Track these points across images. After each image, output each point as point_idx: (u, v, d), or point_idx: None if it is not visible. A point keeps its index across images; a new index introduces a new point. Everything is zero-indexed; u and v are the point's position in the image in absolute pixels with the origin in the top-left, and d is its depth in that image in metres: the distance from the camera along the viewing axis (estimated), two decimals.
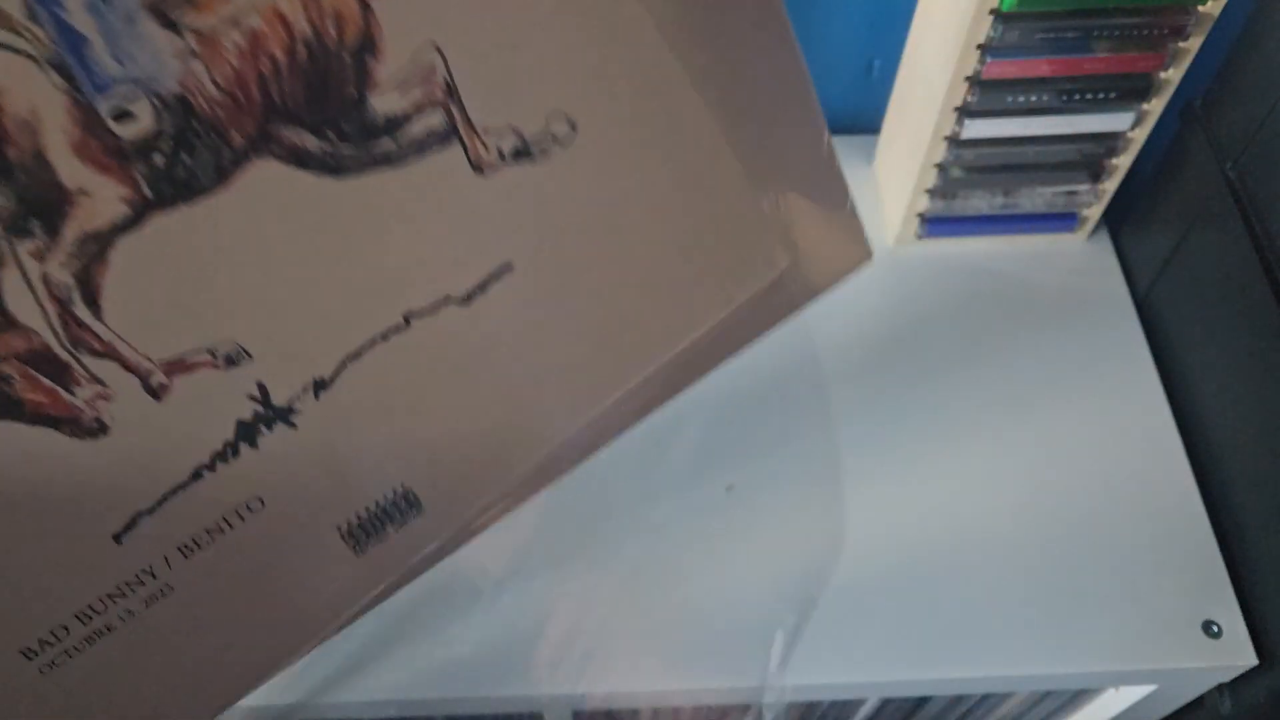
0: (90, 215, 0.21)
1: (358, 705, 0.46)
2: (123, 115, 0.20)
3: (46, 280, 0.21)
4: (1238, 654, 0.48)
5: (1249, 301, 0.49)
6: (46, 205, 0.20)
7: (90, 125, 0.20)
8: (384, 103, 0.22)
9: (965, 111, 0.53)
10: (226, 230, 0.23)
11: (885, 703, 0.61)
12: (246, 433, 0.26)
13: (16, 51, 0.19)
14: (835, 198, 0.34)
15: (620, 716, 0.62)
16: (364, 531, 0.30)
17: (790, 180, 0.32)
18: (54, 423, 0.23)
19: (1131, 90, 0.53)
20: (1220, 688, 0.51)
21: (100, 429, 0.24)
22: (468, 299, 0.27)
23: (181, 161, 0.21)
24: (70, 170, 0.20)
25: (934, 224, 0.60)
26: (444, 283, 0.27)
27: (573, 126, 0.26)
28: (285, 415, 0.27)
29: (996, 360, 0.57)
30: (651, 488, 0.52)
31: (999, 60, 0.50)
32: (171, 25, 0.20)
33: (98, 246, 0.21)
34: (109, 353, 0.23)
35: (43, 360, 0.22)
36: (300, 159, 0.22)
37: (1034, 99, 0.53)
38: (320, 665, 0.46)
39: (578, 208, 0.27)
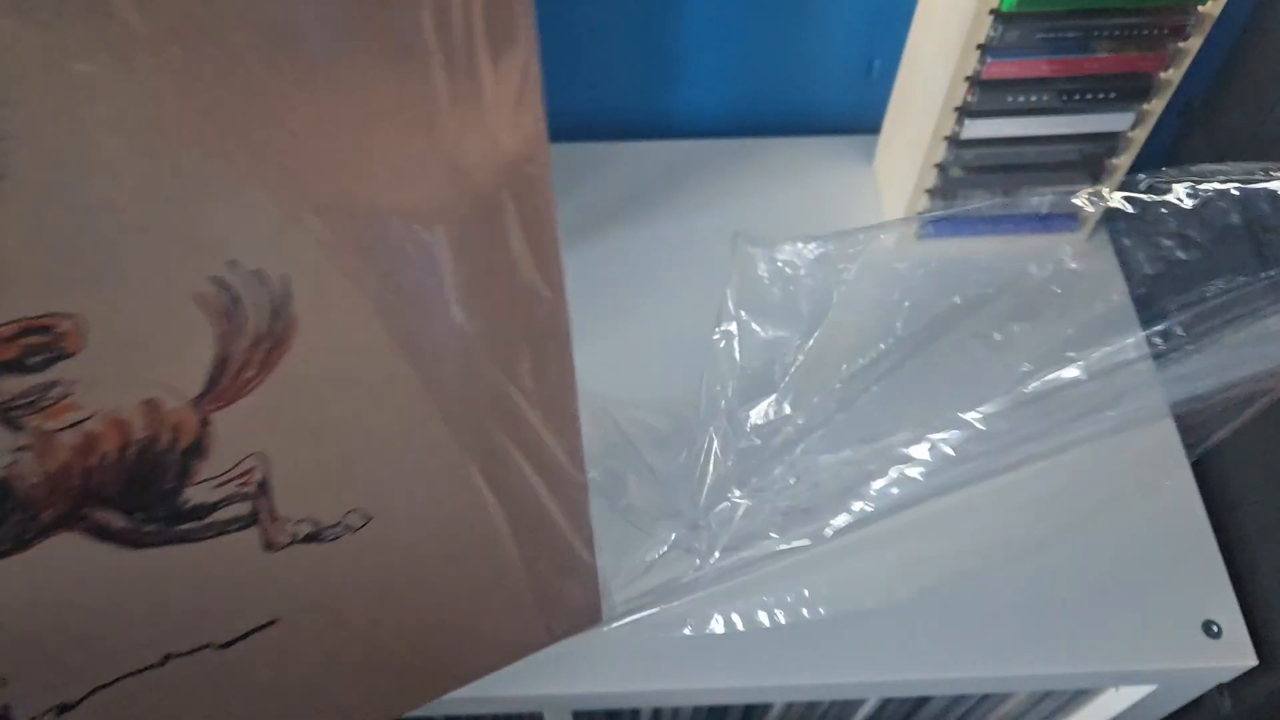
0: None
1: None
2: None
3: None
4: (1238, 654, 0.48)
5: None
6: None
7: None
8: (197, 493, 0.23)
9: (965, 111, 0.53)
10: (15, 586, 0.23)
11: (885, 703, 0.61)
12: None
13: None
14: (592, 603, 0.39)
15: (620, 716, 0.62)
16: None
17: (553, 579, 0.37)
18: None
19: (1131, 90, 0.53)
20: (1220, 688, 0.51)
21: None
22: (227, 645, 0.29)
23: None
24: None
25: (934, 224, 0.60)
26: (210, 633, 0.29)
27: (366, 520, 0.27)
28: None
29: (996, 360, 0.57)
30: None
31: (999, 60, 0.50)
32: (16, 426, 0.20)
33: None
34: None
35: None
36: (103, 534, 0.22)
37: (1034, 99, 0.53)
38: None
39: (349, 580, 0.29)
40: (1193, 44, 0.50)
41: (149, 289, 0.20)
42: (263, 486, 0.24)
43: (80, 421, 0.20)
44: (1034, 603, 0.49)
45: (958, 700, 0.63)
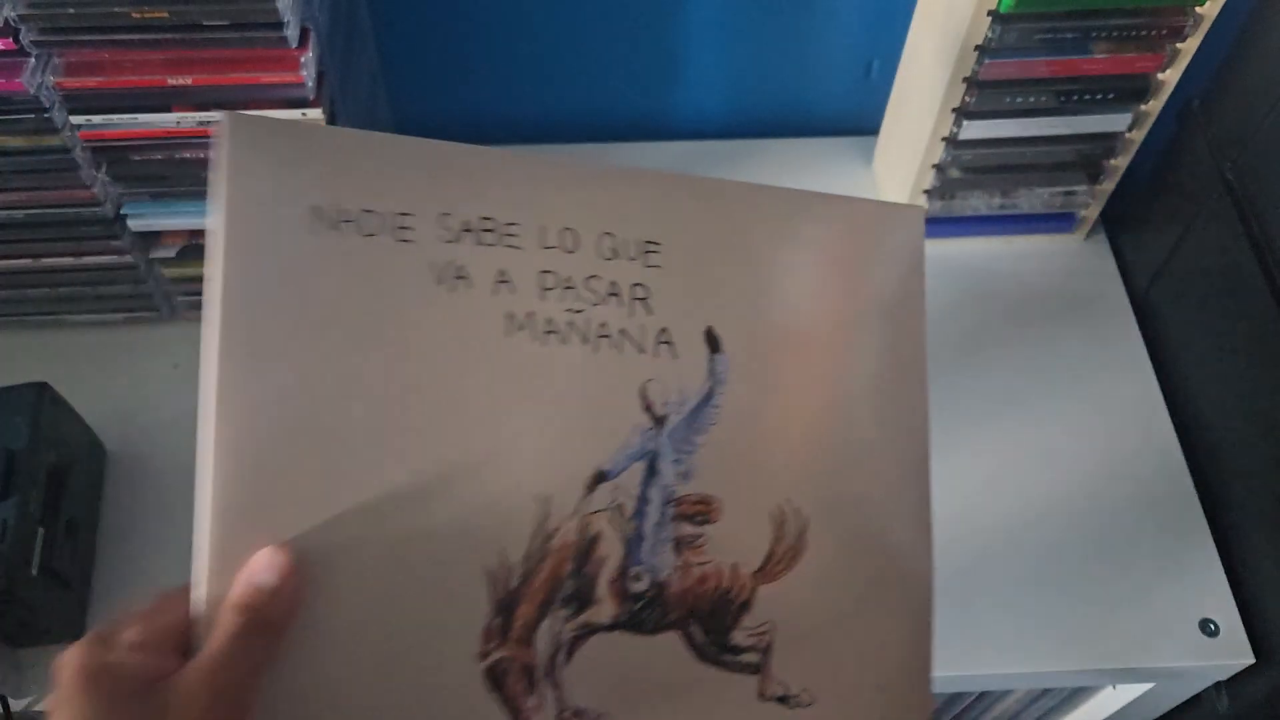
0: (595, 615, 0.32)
1: None
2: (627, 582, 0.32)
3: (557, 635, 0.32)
4: (1235, 652, 0.48)
5: (1246, 301, 0.50)
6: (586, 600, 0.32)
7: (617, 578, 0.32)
8: (738, 635, 0.33)
9: (963, 112, 0.53)
10: (617, 660, 0.32)
11: None
12: None
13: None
14: None
15: None
16: None
17: None
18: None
19: (1129, 91, 0.53)
20: (1217, 685, 0.51)
21: None
22: None
23: (635, 612, 0.32)
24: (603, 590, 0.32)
25: (933, 225, 0.61)
26: None
27: (810, 703, 0.33)
28: None
29: (994, 360, 0.58)
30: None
31: (997, 61, 0.50)
32: (677, 552, 0.33)
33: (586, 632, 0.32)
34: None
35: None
36: (690, 641, 0.33)
37: (1032, 100, 0.53)
38: None
39: None
40: (1191, 45, 0.50)
41: (756, 504, 0.33)
42: (768, 650, 0.33)
43: (703, 564, 0.33)
44: (1032, 600, 0.49)
45: (955, 698, 0.63)
